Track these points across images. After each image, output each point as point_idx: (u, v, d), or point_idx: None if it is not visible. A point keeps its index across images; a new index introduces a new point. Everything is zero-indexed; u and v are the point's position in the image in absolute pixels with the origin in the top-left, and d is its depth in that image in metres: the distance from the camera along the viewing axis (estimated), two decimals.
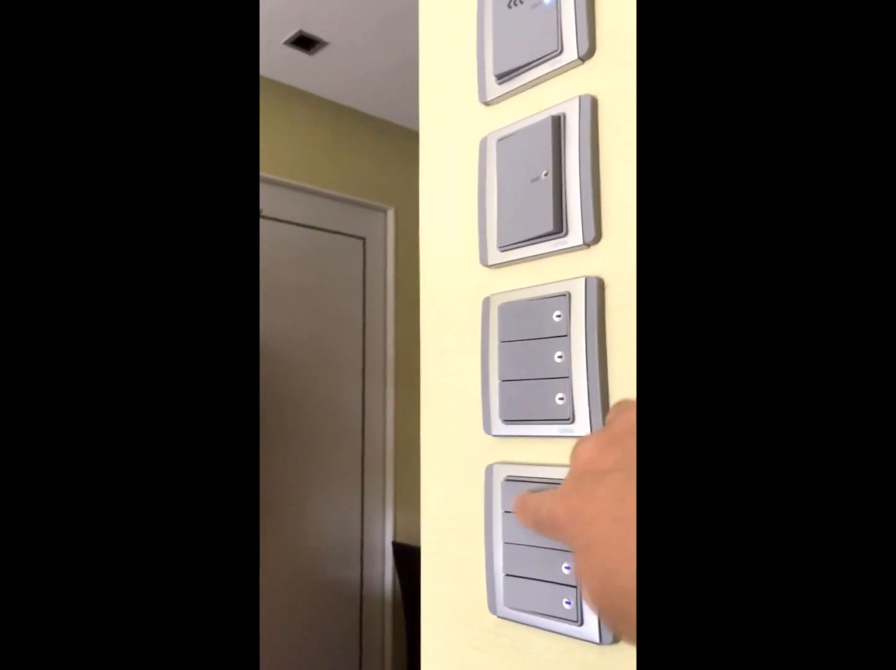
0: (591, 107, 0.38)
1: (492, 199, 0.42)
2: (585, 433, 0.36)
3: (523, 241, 0.40)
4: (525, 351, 0.39)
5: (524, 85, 0.42)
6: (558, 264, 0.39)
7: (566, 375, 0.37)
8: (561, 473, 0.37)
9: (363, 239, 2.59)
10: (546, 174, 0.39)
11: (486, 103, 0.44)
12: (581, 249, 0.38)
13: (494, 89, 0.43)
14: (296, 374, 2.31)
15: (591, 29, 0.38)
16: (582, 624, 0.35)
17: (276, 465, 2.22)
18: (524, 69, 0.41)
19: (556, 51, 0.39)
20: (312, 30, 2.06)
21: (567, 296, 0.37)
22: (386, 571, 2.54)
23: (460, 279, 0.45)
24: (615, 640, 0.34)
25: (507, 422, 0.40)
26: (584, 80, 0.39)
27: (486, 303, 0.42)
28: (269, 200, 2.28)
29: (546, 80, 0.41)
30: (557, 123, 0.39)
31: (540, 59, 0.40)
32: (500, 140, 0.42)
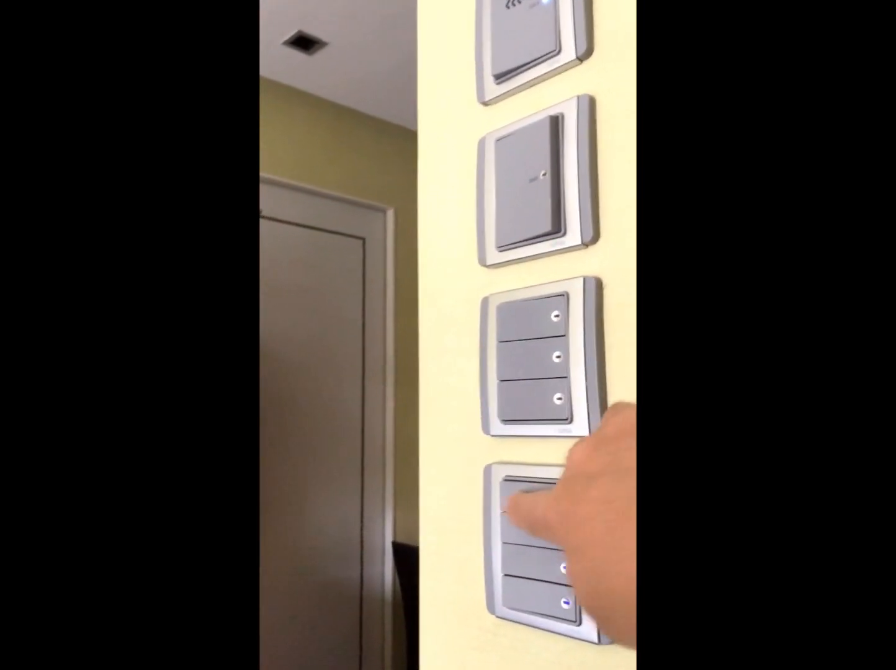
0: (590, 106, 0.38)
1: (490, 199, 0.42)
2: (584, 433, 0.36)
3: (521, 241, 0.40)
4: (523, 351, 0.39)
5: (522, 85, 0.42)
6: (556, 264, 0.39)
7: (564, 375, 0.37)
8: (559, 473, 0.37)
9: (363, 239, 2.59)
10: (544, 174, 0.39)
11: (485, 103, 0.44)
12: (579, 249, 0.38)
13: (493, 89, 0.43)
14: (295, 374, 2.31)
15: (589, 29, 0.38)
16: (580, 624, 0.35)
17: (275, 465, 2.22)
18: (522, 69, 0.41)
19: (554, 51, 0.39)
20: (311, 30, 2.06)
21: (565, 296, 0.37)
22: (386, 571, 2.54)
23: (459, 279, 0.45)
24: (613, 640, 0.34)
25: (506, 422, 0.40)
26: (583, 79, 0.39)
27: (485, 303, 0.42)
28: (268, 200, 2.28)
29: (544, 79, 0.41)
30: (555, 123, 0.39)
31: (538, 58, 0.40)
32: (498, 140, 0.42)
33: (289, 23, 2.02)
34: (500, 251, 0.41)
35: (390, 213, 2.64)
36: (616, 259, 0.36)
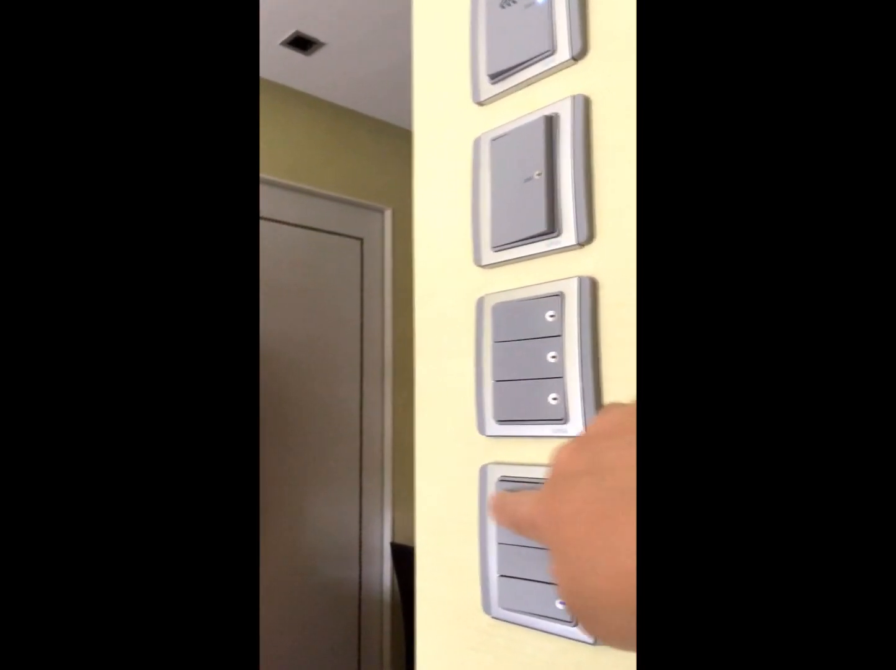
0: (584, 106, 0.38)
1: (485, 200, 0.42)
2: (579, 433, 0.36)
3: (517, 241, 0.40)
4: (519, 351, 0.39)
5: (517, 85, 0.42)
6: (551, 264, 0.39)
7: (559, 375, 0.37)
8: None
9: (361, 239, 2.59)
10: (539, 174, 0.39)
11: (480, 103, 0.44)
12: (574, 249, 0.38)
13: (488, 89, 0.43)
14: (293, 375, 2.31)
15: (584, 28, 0.38)
16: (575, 624, 0.35)
17: (273, 466, 2.22)
18: (517, 69, 0.41)
19: (548, 50, 0.39)
20: (309, 30, 2.06)
21: (560, 296, 0.37)
22: (384, 572, 2.54)
23: (454, 279, 0.45)
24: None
25: (501, 422, 0.40)
26: (577, 79, 0.39)
27: (480, 303, 0.42)
28: (266, 201, 2.28)
29: (539, 79, 0.41)
30: (550, 123, 0.39)
31: (533, 58, 0.40)
32: (493, 140, 0.42)
33: (286, 23, 2.02)
34: (496, 251, 0.41)
35: (388, 214, 2.64)
36: (611, 259, 0.36)
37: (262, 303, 2.20)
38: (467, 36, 0.45)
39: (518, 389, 0.39)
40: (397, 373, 2.57)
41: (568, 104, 0.38)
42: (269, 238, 2.28)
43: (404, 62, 2.11)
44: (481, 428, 0.41)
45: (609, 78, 0.37)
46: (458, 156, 0.45)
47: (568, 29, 0.38)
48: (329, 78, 2.34)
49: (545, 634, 0.37)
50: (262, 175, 2.25)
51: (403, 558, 2.30)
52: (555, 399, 0.37)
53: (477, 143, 0.43)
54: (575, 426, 0.36)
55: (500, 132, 0.42)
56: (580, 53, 0.38)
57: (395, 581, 2.47)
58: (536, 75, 0.40)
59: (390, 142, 2.65)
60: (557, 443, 0.38)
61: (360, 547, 2.48)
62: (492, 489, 0.40)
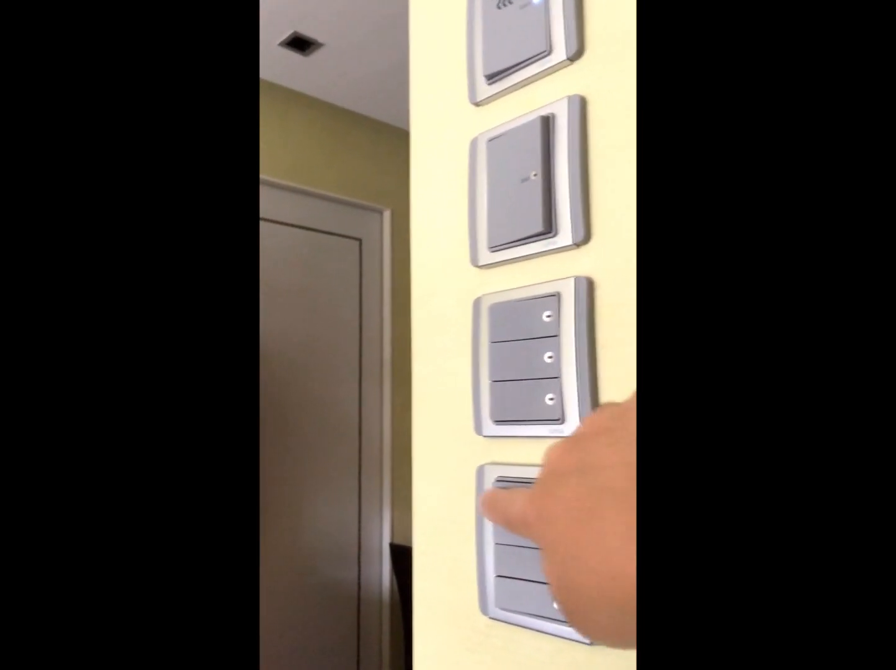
0: (580, 107, 0.38)
1: (482, 200, 0.42)
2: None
3: (513, 242, 0.40)
4: (515, 351, 0.39)
5: (514, 85, 0.42)
6: (548, 264, 0.39)
7: (556, 376, 0.37)
8: None
9: (359, 240, 2.59)
10: (535, 174, 0.39)
11: (477, 104, 0.44)
12: (571, 249, 0.38)
13: (484, 90, 0.43)
14: (292, 375, 2.31)
15: (580, 29, 0.38)
16: None
17: (272, 466, 2.22)
18: (514, 69, 0.41)
19: (545, 51, 0.39)
20: (307, 31, 2.06)
21: (557, 296, 0.37)
22: (383, 573, 2.54)
23: (451, 280, 0.45)
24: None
25: (498, 422, 0.40)
26: (573, 80, 0.39)
27: (477, 303, 0.42)
28: (264, 202, 2.28)
29: (535, 80, 0.41)
30: (546, 124, 0.39)
31: (529, 59, 0.40)
32: (490, 140, 0.42)
33: (285, 24, 2.02)
34: (492, 251, 0.41)
35: (387, 214, 2.64)
36: (607, 259, 0.36)
37: (261, 303, 2.20)
38: (464, 37, 0.45)
39: (515, 389, 0.39)
40: (396, 373, 2.57)
41: (564, 104, 0.38)
42: (268, 238, 2.28)
43: (403, 63, 2.11)
44: (478, 428, 0.41)
45: (605, 78, 0.37)
46: (455, 156, 0.45)
47: (564, 29, 0.38)
48: (327, 79, 2.34)
49: (542, 634, 0.37)
50: (260, 176, 2.25)
51: (402, 559, 2.30)
52: (551, 399, 0.37)
53: (474, 144, 0.43)
54: (571, 426, 0.36)
55: (497, 132, 0.42)
56: (576, 54, 0.38)
57: (394, 582, 2.47)
58: (533, 76, 0.40)
59: (389, 142, 2.65)
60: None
61: (359, 547, 2.48)
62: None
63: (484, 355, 0.41)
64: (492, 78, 0.42)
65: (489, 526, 0.40)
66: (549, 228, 0.38)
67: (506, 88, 0.42)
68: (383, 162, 2.62)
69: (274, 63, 2.21)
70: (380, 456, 2.56)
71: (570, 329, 0.37)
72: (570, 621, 0.22)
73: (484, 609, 0.40)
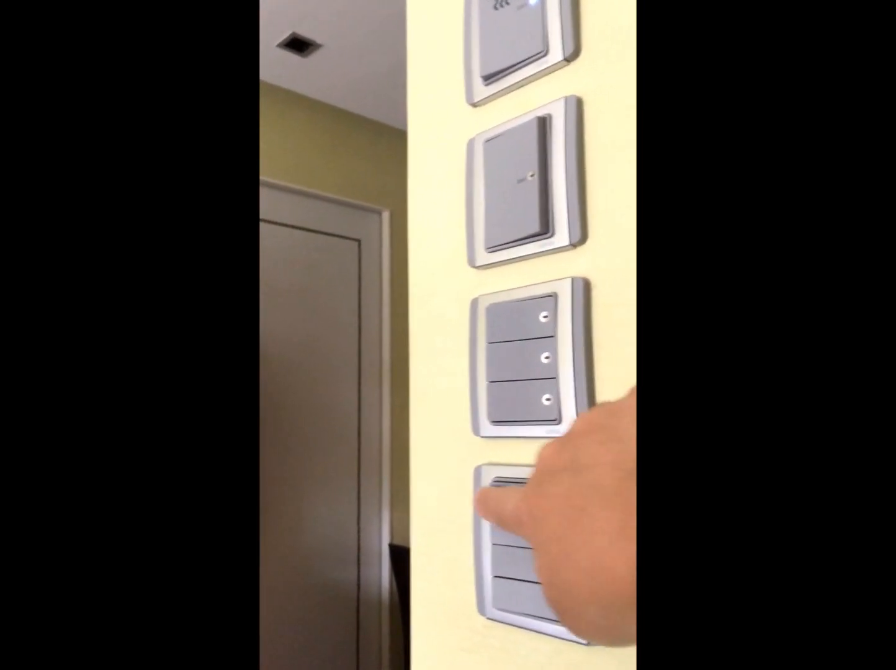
0: (577, 107, 0.38)
1: (479, 201, 0.42)
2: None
3: (510, 242, 0.40)
4: (512, 352, 0.39)
5: (510, 86, 0.42)
6: (545, 265, 0.39)
7: (553, 376, 0.37)
8: None
9: (358, 241, 2.59)
10: (532, 175, 0.39)
11: (474, 104, 0.44)
12: (567, 250, 0.38)
13: (481, 90, 0.43)
14: (291, 376, 2.31)
15: (577, 30, 0.38)
16: None
17: (272, 467, 2.22)
18: (510, 70, 0.41)
19: (541, 52, 0.39)
20: (306, 32, 2.06)
21: (554, 296, 0.37)
22: (383, 573, 2.53)
23: (449, 280, 0.45)
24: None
25: (495, 423, 0.40)
26: (570, 80, 0.39)
27: (475, 304, 0.42)
28: (263, 203, 2.28)
29: (532, 81, 0.41)
30: (543, 124, 0.39)
31: (526, 60, 0.40)
32: (486, 141, 0.42)
33: (283, 24, 2.02)
34: (490, 252, 0.41)
35: (386, 215, 2.64)
36: (604, 259, 0.36)
37: (260, 304, 2.20)
38: (461, 37, 0.45)
39: (512, 390, 0.39)
40: (395, 374, 2.57)
41: (561, 105, 0.38)
42: (267, 239, 2.28)
43: (401, 64, 2.11)
44: (476, 428, 0.41)
45: (601, 79, 0.37)
46: (452, 157, 0.45)
47: (560, 30, 0.38)
48: (326, 79, 2.34)
49: (540, 635, 0.37)
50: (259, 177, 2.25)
51: (402, 559, 2.30)
52: (548, 400, 0.37)
53: (471, 145, 0.43)
54: (568, 427, 0.36)
55: (494, 133, 0.42)
56: (573, 55, 0.38)
57: (394, 582, 2.47)
58: (529, 76, 0.40)
59: (388, 143, 2.65)
60: None
61: (359, 548, 2.48)
62: None
63: (481, 355, 0.41)
64: (489, 79, 0.42)
65: (486, 526, 0.40)
66: (546, 229, 0.38)
67: (503, 89, 0.42)
68: (382, 163, 2.62)
69: (272, 64, 2.21)
70: (379, 456, 2.56)
71: (567, 329, 0.37)
72: (562, 620, 0.22)
73: (481, 609, 0.40)
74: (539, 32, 0.39)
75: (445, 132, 0.46)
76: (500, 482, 0.39)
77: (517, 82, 0.41)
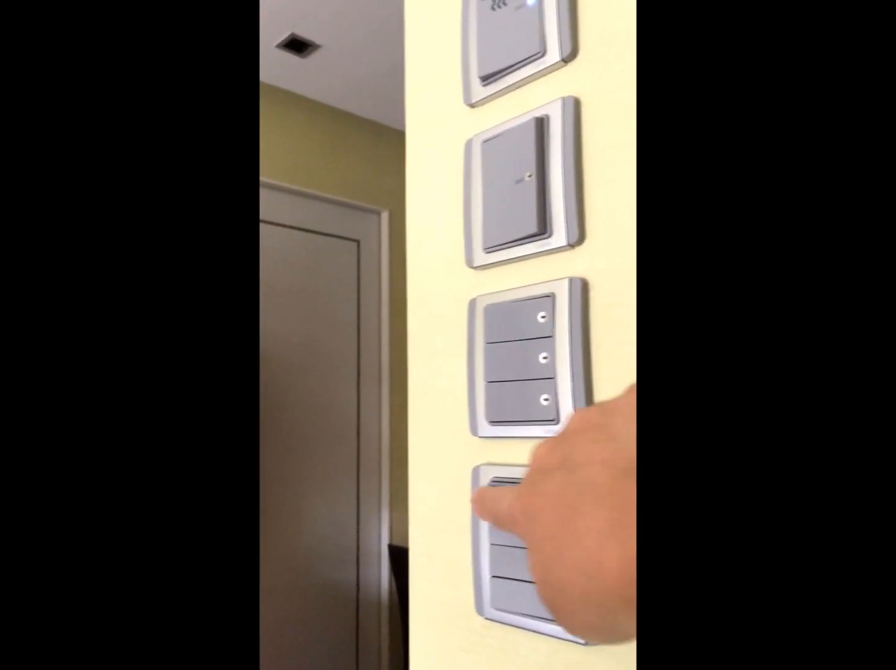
0: (574, 108, 0.38)
1: (477, 201, 0.42)
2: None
3: (508, 243, 0.40)
4: (510, 352, 0.39)
5: (508, 87, 0.42)
6: (543, 265, 0.39)
7: (551, 376, 0.37)
8: None
9: (357, 241, 2.59)
10: (530, 175, 0.39)
11: (471, 105, 0.44)
12: (565, 250, 0.38)
13: (479, 91, 0.43)
14: (291, 376, 2.31)
15: (574, 30, 0.38)
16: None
17: (271, 467, 2.22)
18: (508, 71, 0.41)
19: (539, 52, 0.39)
20: (304, 32, 2.06)
21: (551, 297, 0.37)
22: (382, 574, 2.53)
23: (447, 281, 0.45)
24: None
25: (493, 423, 0.40)
26: (567, 81, 0.39)
27: (472, 304, 0.42)
28: (262, 204, 2.28)
29: (529, 81, 0.41)
30: (541, 125, 0.39)
31: (523, 60, 0.40)
32: (484, 142, 0.42)
33: (281, 25, 2.02)
34: (487, 253, 0.41)
35: (385, 216, 2.64)
36: (602, 260, 0.37)
37: (260, 304, 2.20)
38: (459, 38, 0.45)
39: (510, 390, 0.39)
40: (394, 374, 2.57)
41: (558, 106, 0.38)
42: (266, 240, 2.28)
43: (400, 65, 2.11)
44: (474, 429, 0.41)
45: (599, 79, 0.37)
46: (450, 157, 0.45)
47: (558, 31, 0.38)
48: (325, 80, 2.34)
49: (538, 635, 0.37)
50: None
51: (401, 560, 2.30)
52: (546, 400, 0.37)
53: (468, 145, 0.43)
54: None
55: (492, 134, 0.42)
56: (570, 55, 0.38)
57: (393, 583, 2.46)
58: (527, 77, 0.40)
59: (386, 144, 2.65)
60: None
61: (358, 548, 2.48)
62: None
63: (479, 356, 0.41)
64: (486, 79, 0.42)
65: (485, 526, 0.40)
66: (544, 229, 0.38)
67: (500, 90, 0.42)
68: (381, 163, 2.62)
69: (271, 65, 2.21)
70: (378, 457, 2.56)
71: (565, 329, 0.37)
72: (556, 619, 0.22)
73: (480, 609, 0.40)
74: (536, 33, 0.39)
75: (443, 133, 0.46)
76: (498, 482, 0.39)
77: (515, 83, 0.41)
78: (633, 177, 0.35)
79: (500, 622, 0.39)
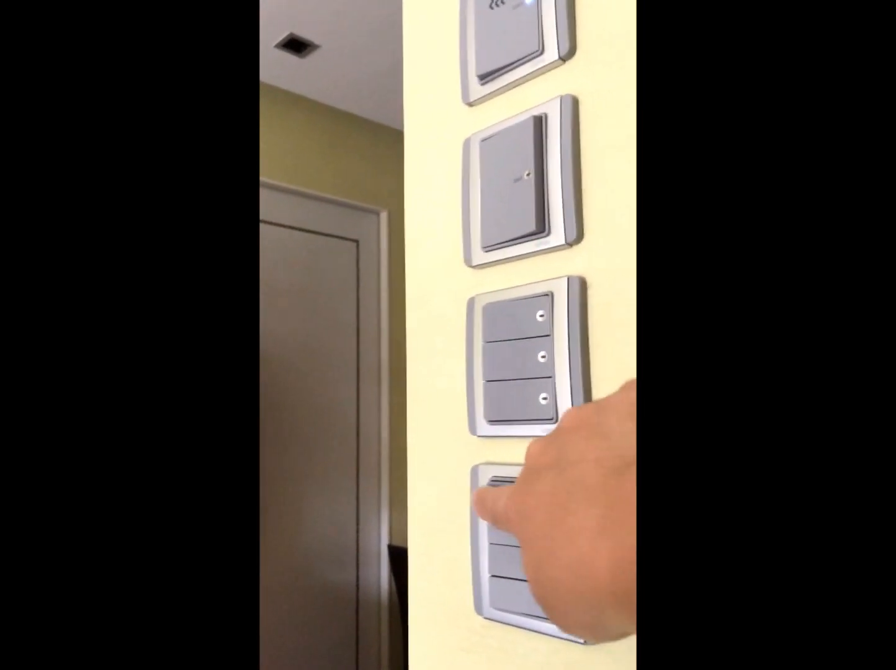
0: (573, 106, 0.38)
1: (475, 200, 0.42)
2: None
3: (506, 242, 0.40)
4: (509, 351, 0.39)
5: (506, 85, 0.42)
6: (541, 264, 0.39)
7: (549, 375, 0.37)
8: None
9: (356, 241, 2.59)
10: (528, 174, 0.39)
11: (470, 104, 0.44)
12: (563, 249, 0.38)
13: (477, 90, 0.43)
14: (290, 376, 2.31)
15: (572, 29, 0.38)
16: None
17: (270, 467, 2.22)
18: (506, 69, 0.41)
19: (537, 51, 0.39)
20: (303, 32, 2.06)
21: (550, 295, 0.37)
22: (382, 574, 2.53)
23: (445, 280, 0.45)
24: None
25: (492, 422, 0.40)
26: (566, 79, 0.39)
27: (471, 303, 0.42)
28: (261, 204, 2.28)
29: (528, 80, 0.41)
30: (539, 123, 0.39)
31: (521, 59, 0.40)
32: (483, 140, 0.42)
33: (280, 25, 2.02)
34: (486, 251, 0.41)
35: (384, 216, 2.64)
36: (600, 259, 0.36)
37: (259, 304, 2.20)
38: (457, 37, 0.45)
39: (509, 389, 0.39)
40: (393, 374, 2.57)
41: (556, 104, 0.38)
42: (265, 240, 2.28)
43: (399, 64, 2.11)
44: (472, 428, 0.41)
45: (597, 78, 0.37)
46: (448, 156, 0.45)
47: (556, 29, 0.38)
48: (324, 80, 2.34)
49: (537, 634, 0.37)
50: None
51: (401, 560, 2.30)
52: (545, 399, 0.37)
53: (467, 144, 0.43)
54: None
55: (490, 133, 0.42)
56: (568, 54, 0.38)
57: (393, 583, 2.46)
58: (525, 76, 0.40)
59: (385, 144, 2.65)
60: None
61: (358, 549, 2.47)
62: None
63: (478, 355, 0.41)
64: (484, 78, 0.42)
65: (484, 526, 0.40)
66: (542, 228, 0.38)
67: (498, 88, 0.42)
68: (380, 163, 2.62)
69: (270, 65, 2.21)
70: (377, 457, 2.56)
71: (563, 328, 0.37)
72: (550, 617, 0.22)
73: (479, 609, 0.40)
74: (535, 31, 0.39)
75: (442, 132, 0.46)
76: (497, 481, 0.39)
77: (513, 81, 0.41)
78: (631, 176, 0.35)
79: (500, 621, 0.39)
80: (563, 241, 0.37)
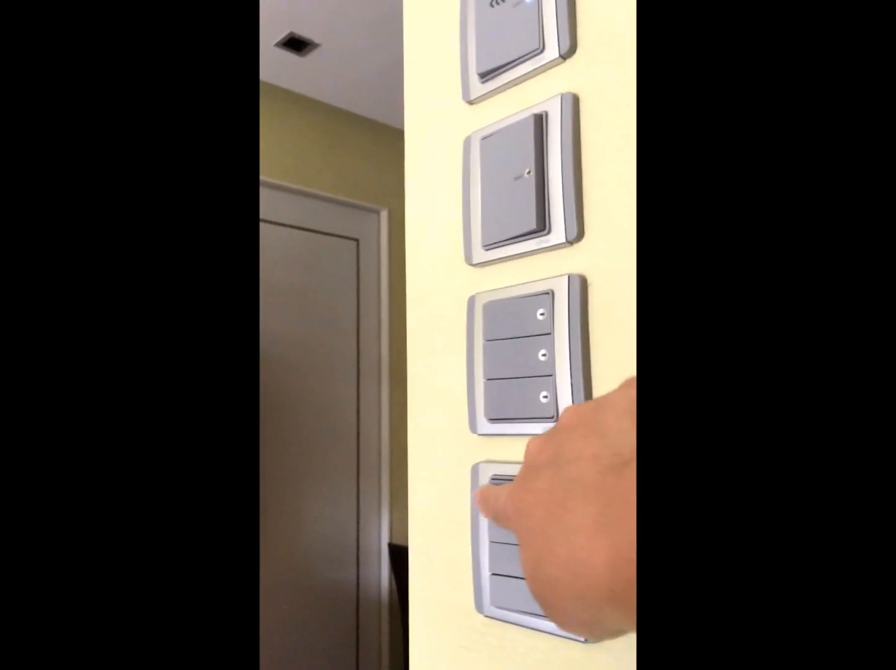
0: (573, 104, 0.38)
1: (476, 198, 0.42)
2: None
3: (507, 240, 0.40)
4: (509, 349, 0.39)
5: (507, 83, 0.42)
6: (542, 262, 0.39)
7: (550, 373, 0.37)
8: None
9: (356, 240, 2.59)
10: (529, 172, 0.39)
11: (470, 102, 0.44)
12: (564, 247, 0.38)
13: (478, 88, 0.43)
14: (290, 375, 2.31)
15: (573, 27, 0.38)
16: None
17: (271, 467, 2.22)
18: (506, 68, 0.41)
19: (537, 49, 0.39)
20: (303, 31, 2.06)
21: (550, 294, 0.37)
22: (382, 573, 2.53)
23: (446, 278, 0.45)
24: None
25: (493, 420, 0.40)
26: (566, 77, 0.39)
27: (472, 301, 0.42)
28: (261, 203, 2.27)
29: (528, 78, 0.41)
30: (540, 121, 0.39)
31: (522, 57, 0.40)
32: (483, 139, 0.42)
33: (280, 24, 2.02)
34: (486, 250, 0.41)
35: (384, 214, 2.64)
36: (600, 257, 0.36)
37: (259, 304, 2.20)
38: (457, 35, 0.45)
39: (509, 388, 0.39)
40: (394, 373, 2.57)
41: (557, 102, 0.38)
42: (265, 239, 2.28)
43: (399, 63, 2.11)
44: (473, 426, 0.41)
45: (598, 76, 0.37)
46: (449, 155, 0.45)
47: (556, 27, 0.38)
48: (324, 79, 2.34)
49: (538, 632, 0.37)
50: None
51: (401, 559, 2.30)
52: (545, 397, 0.37)
53: (467, 142, 0.43)
54: None
55: (490, 131, 0.42)
56: (569, 52, 0.38)
57: (393, 582, 2.46)
58: (525, 74, 0.40)
59: (386, 142, 2.65)
60: None
61: (358, 548, 2.48)
62: None
63: (478, 353, 0.41)
64: (485, 76, 0.42)
65: (484, 524, 0.40)
66: (543, 226, 0.38)
67: (499, 86, 0.42)
68: (380, 162, 2.62)
69: (270, 63, 2.20)
70: (377, 456, 2.56)
71: (564, 327, 0.37)
72: (548, 615, 0.22)
73: (479, 607, 0.40)
74: (535, 29, 0.39)
75: (442, 130, 0.46)
76: (498, 479, 0.39)
77: (513, 80, 0.41)
78: (632, 174, 0.35)
79: (500, 620, 0.39)
80: (563, 240, 0.37)
